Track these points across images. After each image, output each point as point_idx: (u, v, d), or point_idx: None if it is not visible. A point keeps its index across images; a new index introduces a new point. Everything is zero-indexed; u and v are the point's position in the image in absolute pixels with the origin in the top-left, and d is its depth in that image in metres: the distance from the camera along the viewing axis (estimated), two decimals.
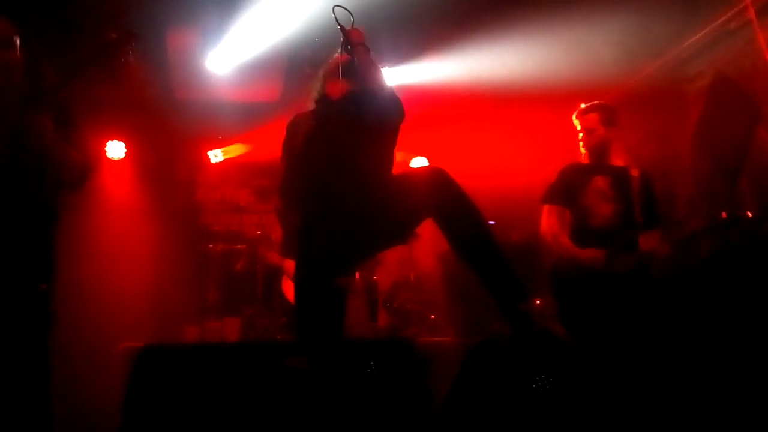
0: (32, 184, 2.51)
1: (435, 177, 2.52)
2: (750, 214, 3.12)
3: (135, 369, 3.76)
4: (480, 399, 2.44)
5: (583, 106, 3.75)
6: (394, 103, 2.80)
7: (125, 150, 6.45)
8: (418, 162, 6.82)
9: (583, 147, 3.72)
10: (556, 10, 4.63)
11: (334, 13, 2.80)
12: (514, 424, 2.35)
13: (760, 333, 3.50)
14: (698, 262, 3.97)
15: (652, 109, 5.11)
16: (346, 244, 2.66)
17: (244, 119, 6.43)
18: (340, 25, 2.82)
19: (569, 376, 2.43)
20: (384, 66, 5.40)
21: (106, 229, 5.98)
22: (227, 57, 5.54)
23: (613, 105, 3.83)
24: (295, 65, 5.67)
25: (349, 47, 2.81)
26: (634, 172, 3.62)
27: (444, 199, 2.49)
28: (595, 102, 3.75)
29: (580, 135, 3.73)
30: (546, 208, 3.74)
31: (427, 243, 5.82)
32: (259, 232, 6.10)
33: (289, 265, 2.92)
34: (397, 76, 5.62)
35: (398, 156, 2.95)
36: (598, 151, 3.69)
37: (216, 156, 6.93)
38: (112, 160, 6.41)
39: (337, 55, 2.90)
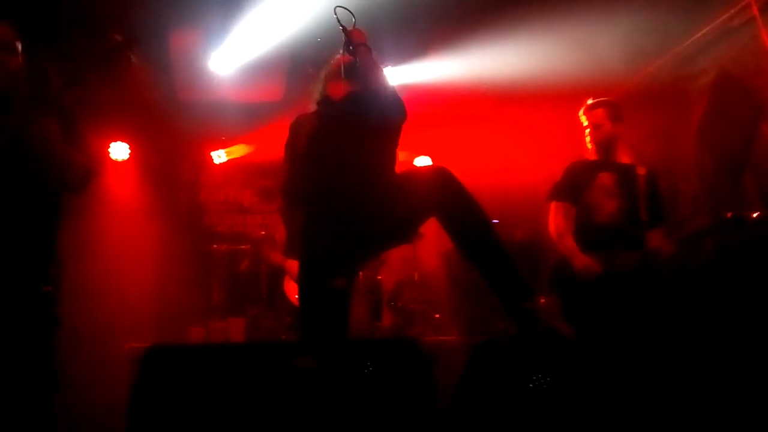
0: (36, 186, 2.52)
1: (438, 176, 2.52)
2: (755, 215, 3.11)
3: (140, 369, 3.77)
4: (485, 398, 2.44)
5: (590, 101, 3.75)
6: (396, 103, 2.80)
7: (129, 151, 6.46)
8: (422, 161, 6.82)
9: (590, 142, 3.71)
10: (558, 8, 4.62)
11: (335, 14, 2.81)
12: (519, 423, 2.36)
13: (764, 333, 3.50)
14: (702, 262, 3.97)
15: (655, 107, 5.11)
16: (349, 243, 2.66)
17: (247, 120, 6.44)
18: (341, 25, 2.82)
19: (574, 374, 2.43)
20: (387, 65, 5.42)
21: (111, 230, 6.00)
22: (230, 57, 5.55)
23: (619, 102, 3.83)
24: (298, 65, 5.67)
25: (350, 48, 2.81)
26: (641, 171, 3.61)
27: (447, 198, 2.49)
28: (602, 98, 3.75)
29: (587, 130, 3.72)
30: (553, 205, 3.74)
31: (431, 242, 5.82)
32: (263, 233, 6.11)
33: (291, 265, 2.92)
34: (400, 75, 5.62)
35: (401, 155, 2.95)
36: (605, 146, 3.68)
37: (219, 156, 6.94)
38: (115, 162, 6.42)
39: (338, 55, 2.91)
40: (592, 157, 3.73)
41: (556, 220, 3.70)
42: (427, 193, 2.51)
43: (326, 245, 2.67)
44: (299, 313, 2.88)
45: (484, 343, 2.67)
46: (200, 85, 5.94)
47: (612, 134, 3.67)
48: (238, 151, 6.97)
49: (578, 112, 3.79)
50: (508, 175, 6.27)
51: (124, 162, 6.46)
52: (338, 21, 2.81)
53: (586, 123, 3.72)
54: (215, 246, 6.30)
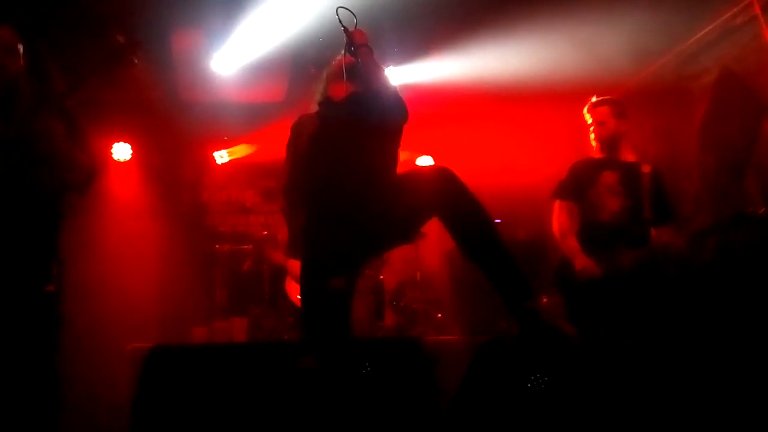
0: (40, 186, 2.53)
1: (440, 176, 2.52)
2: (761, 212, 3.10)
3: (144, 370, 3.78)
4: (488, 398, 2.44)
5: (594, 99, 3.75)
6: (398, 103, 2.81)
7: (131, 152, 6.47)
8: (424, 161, 6.82)
9: (594, 139, 3.70)
10: (559, 7, 4.62)
11: (337, 15, 2.81)
12: (522, 423, 2.36)
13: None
14: (707, 259, 3.96)
15: (657, 106, 5.10)
16: (351, 244, 2.66)
17: (249, 120, 6.45)
18: (343, 26, 2.82)
19: (577, 374, 2.43)
20: (388, 65, 5.43)
21: (113, 230, 6.00)
22: (232, 58, 5.55)
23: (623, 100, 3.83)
24: (300, 66, 5.68)
25: (352, 48, 2.82)
26: (645, 168, 3.59)
27: (449, 197, 2.49)
28: (607, 96, 3.75)
29: (591, 128, 3.71)
30: (556, 203, 3.74)
31: (434, 242, 5.81)
32: (265, 233, 6.12)
33: (293, 265, 2.92)
34: (402, 75, 5.62)
35: (403, 155, 2.95)
36: (609, 144, 3.67)
37: (222, 157, 6.94)
38: (118, 162, 6.43)
39: (339, 56, 2.91)
40: (597, 154, 3.72)
41: (559, 219, 3.70)
42: (429, 193, 2.51)
43: (328, 245, 2.67)
44: (301, 313, 2.88)
45: (487, 342, 2.68)
46: (202, 85, 5.95)
47: (616, 132, 3.67)
48: (241, 151, 6.97)
49: (581, 111, 3.79)
50: (510, 175, 6.27)
51: (126, 162, 6.47)
52: (340, 22, 2.81)
53: (590, 120, 3.72)
54: (218, 246, 6.30)
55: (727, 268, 3.93)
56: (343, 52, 2.87)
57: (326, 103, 2.96)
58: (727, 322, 3.73)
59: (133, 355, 4.24)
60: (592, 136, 3.71)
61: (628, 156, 3.69)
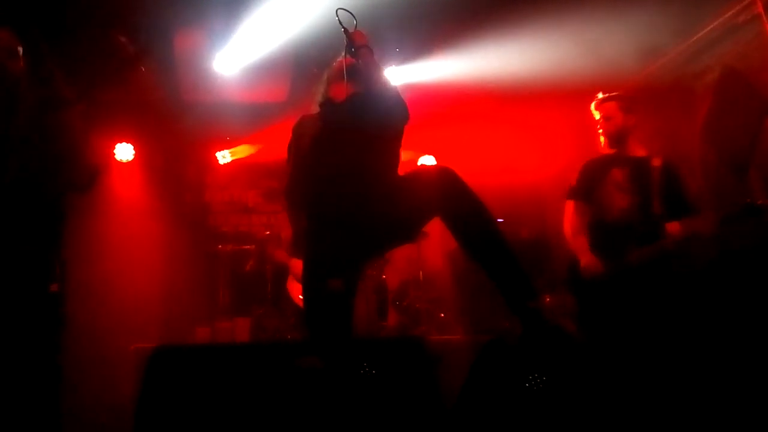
0: (43, 186, 2.54)
1: (442, 176, 2.52)
2: (759, 202, 3.08)
3: (147, 370, 3.78)
4: (492, 397, 2.44)
5: (600, 95, 3.74)
6: (399, 104, 2.81)
7: (134, 152, 6.48)
8: (426, 160, 6.82)
9: (602, 135, 3.69)
10: (561, 7, 4.62)
11: (337, 16, 2.82)
12: (526, 423, 2.35)
13: None
14: (718, 253, 3.92)
15: (660, 105, 5.09)
16: (352, 244, 2.66)
17: (252, 120, 6.45)
18: (343, 27, 2.83)
19: (581, 373, 2.43)
20: (390, 65, 5.43)
21: (116, 231, 6.01)
22: (234, 58, 5.56)
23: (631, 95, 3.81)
24: (302, 66, 5.68)
25: (352, 49, 2.82)
26: (656, 162, 3.56)
27: (451, 198, 2.49)
28: (614, 92, 3.74)
29: (599, 123, 3.71)
30: (568, 204, 3.73)
31: (436, 241, 5.82)
32: (267, 233, 6.12)
33: (295, 264, 2.92)
34: (405, 74, 5.62)
35: (406, 155, 2.96)
36: (617, 139, 3.66)
37: (224, 157, 6.95)
38: (120, 163, 6.43)
39: (340, 58, 2.92)
40: (605, 150, 3.71)
41: (569, 220, 3.70)
42: (431, 194, 2.51)
43: (329, 246, 2.67)
44: (303, 313, 2.88)
45: (490, 342, 2.67)
46: (205, 85, 5.95)
47: (623, 126, 3.65)
48: (243, 151, 6.98)
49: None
50: (513, 174, 6.27)
51: (129, 163, 6.48)
52: (340, 23, 2.82)
53: (597, 116, 3.71)
54: (220, 246, 6.32)
55: (731, 263, 3.92)
56: (343, 53, 2.88)
57: (327, 104, 2.96)
58: (737, 318, 3.71)
59: (136, 356, 4.25)
60: (600, 131, 3.70)
61: (638, 150, 3.66)
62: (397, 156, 2.89)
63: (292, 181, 2.92)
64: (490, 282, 2.48)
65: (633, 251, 3.39)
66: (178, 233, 6.37)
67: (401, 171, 2.84)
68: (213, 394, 3.75)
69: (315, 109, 3.02)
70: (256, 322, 5.43)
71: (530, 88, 5.35)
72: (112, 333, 5.34)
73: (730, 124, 4.43)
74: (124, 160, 6.45)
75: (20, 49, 2.64)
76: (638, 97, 3.87)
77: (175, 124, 6.37)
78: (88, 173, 2.68)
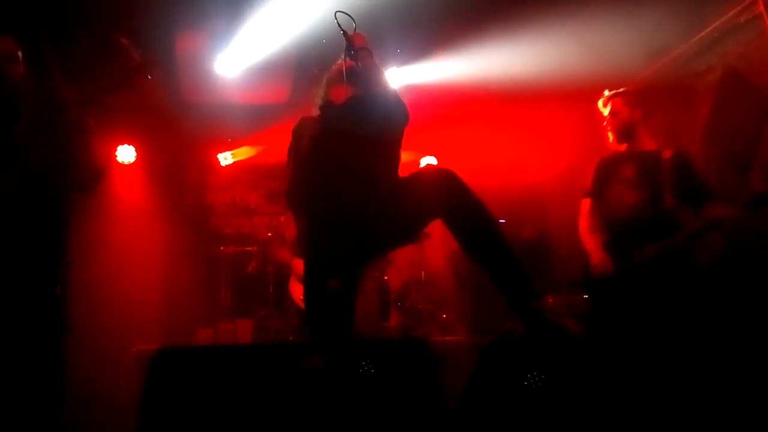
0: (46, 188, 2.54)
1: (442, 178, 2.52)
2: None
3: (149, 371, 3.79)
4: (494, 397, 2.44)
5: (607, 92, 3.74)
6: (399, 106, 2.82)
7: (135, 154, 6.49)
8: (428, 161, 6.82)
9: (610, 131, 3.69)
10: (563, 7, 4.62)
11: (336, 19, 2.82)
12: (529, 423, 2.35)
13: None
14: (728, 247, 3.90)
15: (661, 105, 5.09)
16: (352, 246, 2.66)
17: (253, 121, 6.45)
18: (342, 30, 2.84)
19: (583, 372, 2.43)
20: (390, 67, 5.43)
21: (118, 232, 6.01)
22: (236, 60, 5.56)
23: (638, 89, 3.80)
24: (303, 67, 5.68)
25: (352, 52, 2.83)
26: (666, 154, 3.52)
27: (452, 200, 2.49)
28: (621, 88, 3.73)
29: (606, 120, 3.70)
30: (583, 203, 3.73)
31: (438, 242, 5.83)
32: (269, 234, 6.12)
33: (298, 264, 2.93)
34: (406, 75, 5.62)
35: (408, 155, 2.96)
36: (625, 133, 3.65)
37: (225, 159, 6.95)
38: (122, 164, 6.44)
39: (340, 60, 2.92)
40: (615, 146, 3.70)
41: (584, 219, 3.69)
42: (431, 196, 2.51)
43: (329, 248, 2.67)
44: (304, 315, 2.89)
45: (492, 342, 2.67)
46: (206, 87, 5.95)
47: (630, 120, 3.64)
48: (245, 153, 6.98)
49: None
50: (514, 175, 6.27)
51: (130, 164, 6.48)
52: (339, 26, 2.83)
53: (606, 113, 3.71)
54: (222, 248, 6.32)
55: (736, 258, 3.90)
56: (342, 56, 2.89)
57: (327, 106, 2.96)
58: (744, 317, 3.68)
59: (138, 357, 4.25)
60: (608, 128, 3.70)
61: (648, 144, 3.64)
62: (397, 158, 2.89)
63: (292, 183, 2.92)
64: (492, 283, 2.48)
65: (646, 248, 3.36)
66: (180, 235, 6.37)
67: (403, 172, 2.84)
68: (215, 395, 3.76)
69: (315, 112, 3.02)
70: (258, 324, 5.43)
71: (531, 88, 5.34)
72: (114, 334, 5.35)
73: (731, 124, 4.42)
74: (126, 162, 6.46)
75: (20, 54, 2.65)
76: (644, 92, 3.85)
77: (177, 125, 6.37)
78: (91, 175, 2.69)
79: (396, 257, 5.72)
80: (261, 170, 7.01)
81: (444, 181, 2.51)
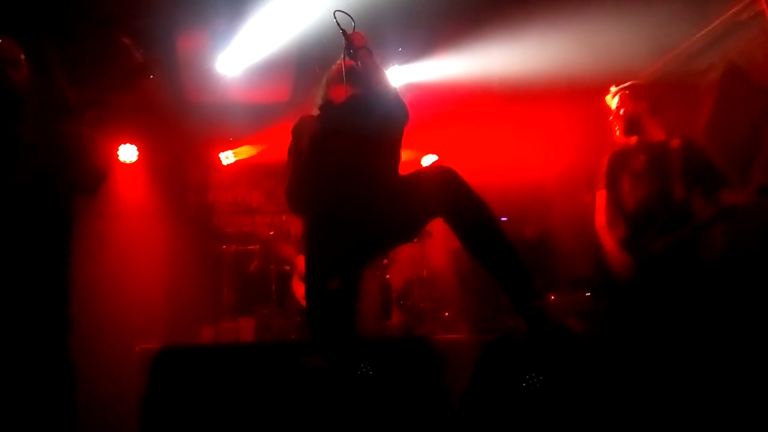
0: (50, 190, 2.55)
1: (443, 176, 2.52)
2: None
3: (152, 370, 3.80)
4: (497, 396, 2.44)
5: (613, 88, 3.74)
6: (399, 105, 2.82)
7: (137, 153, 6.49)
8: (429, 160, 6.81)
9: (616, 125, 3.69)
10: (564, 5, 4.61)
11: (335, 18, 2.82)
12: (531, 421, 2.35)
13: None
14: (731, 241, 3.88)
15: (663, 103, 5.08)
16: (352, 245, 2.67)
17: (255, 120, 6.45)
18: (342, 29, 2.84)
19: (586, 372, 2.43)
20: (390, 66, 5.42)
21: (119, 232, 6.02)
22: (237, 59, 5.56)
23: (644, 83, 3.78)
24: (305, 66, 5.68)
25: (351, 51, 2.83)
26: (674, 144, 3.49)
27: (453, 198, 2.49)
28: (626, 83, 3.72)
29: (612, 115, 3.70)
30: (599, 196, 3.68)
31: (440, 240, 5.83)
32: (272, 233, 6.13)
33: (301, 262, 2.94)
34: (407, 74, 5.61)
35: (409, 154, 2.96)
36: (631, 126, 3.63)
37: (227, 158, 6.96)
38: (124, 164, 6.45)
39: (339, 60, 2.92)
40: (623, 140, 3.68)
41: (601, 213, 3.64)
42: (432, 195, 2.51)
43: (330, 247, 2.68)
44: (306, 313, 2.89)
45: (495, 340, 2.67)
46: (208, 86, 5.95)
47: (634, 112, 3.62)
48: (246, 152, 6.99)
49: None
50: (516, 173, 6.26)
51: (132, 164, 6.48)
52: (338, 25, 2.83)
53: (613, 108, 3.71)
54: (224, 247, 6.33)
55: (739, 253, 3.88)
56: (342, 55, 2.89)
57: (327, 106, 2.97)
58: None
59: (141, 356, 4.26)
60: (615, 123, 3.69)
61: (657, 134, 3.60)
62: (397, 157, 2.89)
63: (293, 183, 2.92)
64: (494, 281, 2.48)
65: (658, 241, 3.32)
66: (182, 234, 6.39)
67: (404, 171, 2.85)
68: (218, 393, 3.76)
69: (315, 112, 3.03)
70: (260, 322, 5.44)
71: (533, 86, 5.34)
72: (117, 333, 5.35)
73: (733, 123, 4.42)
74: (128, 162, 6.46)
75: (23, 57, 2.66)
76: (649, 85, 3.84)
77: (179, 125, 6.38)
78: (95, 176, 2.70)
79: (398, 255, 5.72)
80: (263, 169, 7.02)
81: (445, 180, 2.51)
